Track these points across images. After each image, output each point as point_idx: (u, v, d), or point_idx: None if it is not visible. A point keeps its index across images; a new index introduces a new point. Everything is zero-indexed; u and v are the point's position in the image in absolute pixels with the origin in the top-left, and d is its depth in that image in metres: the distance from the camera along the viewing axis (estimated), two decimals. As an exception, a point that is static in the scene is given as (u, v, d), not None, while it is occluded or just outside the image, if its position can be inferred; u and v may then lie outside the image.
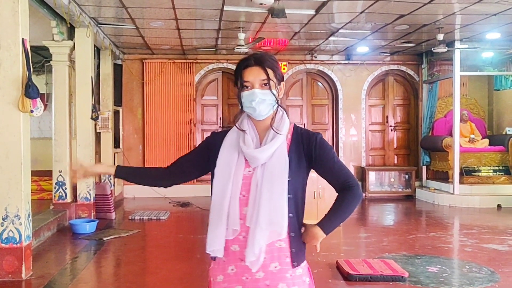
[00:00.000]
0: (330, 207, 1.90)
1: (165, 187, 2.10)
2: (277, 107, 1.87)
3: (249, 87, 1.84)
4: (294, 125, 1.94)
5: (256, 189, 1.79)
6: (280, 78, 1.88)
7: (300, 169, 1.87)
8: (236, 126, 1.89)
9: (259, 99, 1.81)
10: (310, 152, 1.88)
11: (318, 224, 1.86)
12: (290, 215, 1.82)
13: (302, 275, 1.88)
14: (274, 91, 1.84)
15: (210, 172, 1.95)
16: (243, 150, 1.83)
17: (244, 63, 1.86)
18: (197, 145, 2.04)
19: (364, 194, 10.25)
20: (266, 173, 1.80)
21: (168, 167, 2.05)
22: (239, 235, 1.81)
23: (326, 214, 1.90)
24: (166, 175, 2.07)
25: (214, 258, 1.90)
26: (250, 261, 1.78)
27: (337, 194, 1.93)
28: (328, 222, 1.87)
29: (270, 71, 1.84)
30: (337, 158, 1.93)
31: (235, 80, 1.91)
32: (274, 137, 1.84)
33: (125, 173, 2.12)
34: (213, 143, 1.94)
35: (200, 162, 1.98)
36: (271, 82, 1.84)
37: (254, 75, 1.83)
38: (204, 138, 2.04)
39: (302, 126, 1.98)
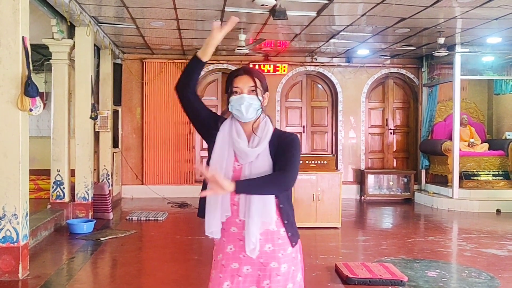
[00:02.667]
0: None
1: (184, 91, 2.18)
2: (261, 112, 2.11)
3: (238, 92, 2.09)
4: (275, 129, 2.16)
5: None
6: (265, 88, 2.14)
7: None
8: (228, 111, 2.14)
9: (247, 103, 2.06)
10: (278, 146, 2.09)
11: (236, 181, 1.97)
12: (281, 206, 2.09)
13: (292, 252, 2.13)
14: (260, 98, 2.09)
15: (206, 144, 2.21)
16: (236, 145, 2.06)
17: (235, 73, 2.13)
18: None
19: (362, 197, 10.23)
20: (253, 171, 2.04)
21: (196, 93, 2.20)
22: (235, 218, 2.06)
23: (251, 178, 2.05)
24: (194, 92, 2.18)
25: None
26: (250, 249, 2.03)
27: None
28: (244, 183, 2.00)
29: (257, 80, 2.10)
30: (294, 153, 2.08)
31: (226, 88, 2.16)
32: (261, 140, 2.07)
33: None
34: (215, 123, 2.16)
35: (204, 119, 2.19)
36: (258, 89, 2.09)
37: (243, 82, 2.09)
38: (212, 114, 2.21)
39: (278, 127, 2.13)
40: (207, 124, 2.18)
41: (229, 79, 2.14)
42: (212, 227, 2.08)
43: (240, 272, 2.07)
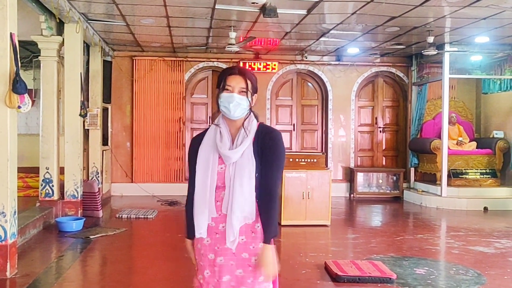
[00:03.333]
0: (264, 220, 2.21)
1: None
2: (250, 113, 2.24)
3: (229, 90, 2.19)
4: (260, 124, 2.27)
5: (229, 183, 2.17)
6: (254, 90, 2.26)
7: (261, 164, 2.21)
8: (214, 124, 2.28)
9: (236, 103, 2.18)
10: (261, 143, 2.20)
11: (264, 242, 2.20)
12: (258, 201, 2.20)
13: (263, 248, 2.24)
14: (249, 99, 2.21)
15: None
16: (219, 150, 2.18)
17: (230, 71, 2.24)
18: (188, 161, 2.34)
19: (352, 195, 10.29)
20: (237, 170, 2.16)
21: (191, 198, 2.29)
22: (215, 213, 2.21)
23: (265, 227, 2.21)
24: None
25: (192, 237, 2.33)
26: (230, 241, 2.17)
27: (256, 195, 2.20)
28: (268, 234, 2.20)
29: (249, 82, 2.22)
30: (277, 162, 2.20)
31: (217, 84, 2.26)
32: (244, 139, 2.18)
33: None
34: (196, 148, 2.27)
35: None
36: (248, 91, 2.20)
37: (236, 81, 2.20)
38: (189, 149, 2.35)
39: (268, 124, 2.18)
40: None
41: (223, 75, 2.24)
42: (202, 228, 2.22)
43: (215, 262, 2.21)
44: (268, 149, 2.19)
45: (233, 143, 2.21)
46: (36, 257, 5.34)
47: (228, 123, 2.25)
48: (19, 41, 4.62)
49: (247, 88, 2.21)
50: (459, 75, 9.74)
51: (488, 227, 7.33)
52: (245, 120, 2.23)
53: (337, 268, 4.66)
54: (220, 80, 2.24)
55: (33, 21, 6.73)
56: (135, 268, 5.15)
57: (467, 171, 9.50)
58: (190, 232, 2.29)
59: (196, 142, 2.30)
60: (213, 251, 2.23)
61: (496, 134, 9.91)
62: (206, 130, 2.32)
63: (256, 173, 2.17)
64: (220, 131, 2.22)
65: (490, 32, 7.94)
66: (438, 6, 6.46)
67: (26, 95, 4.53)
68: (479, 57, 9.43)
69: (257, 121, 2.27)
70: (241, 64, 9.46)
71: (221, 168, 2.20)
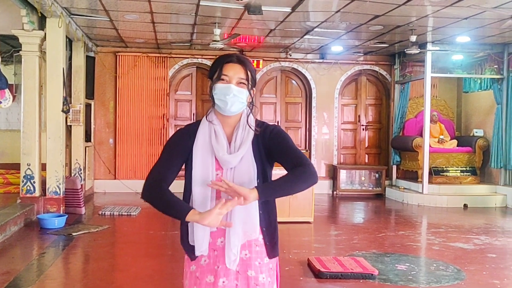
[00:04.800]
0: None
1: None
2: (248, 108, 1.93)
3: (226, 81, 1.86)
4: (256, 120, 1.97)
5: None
6: (253, 84, 1.93)
7: (264, 169, 1.93)
8: (206, 118, 1.93)
9: (233, 95, 1.85)
10: (266, 144, 1.91)
11: (256, 187, 1.81)
12: (260, 212, 1.92)
13: (270, 263, 1.96)
14: (249, 92, 1.90)
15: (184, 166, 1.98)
16: (216, 153, 1.87)
17: (227, 58, 1.90)
18: (169, 147, 1.95)
19: (335, 192, 10.36)
20: (236, 177, 1.85)
21: (165, 182, 1.89)
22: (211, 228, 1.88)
23: (271, 181, 1.90)
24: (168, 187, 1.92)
25: (192, 257, 1.95)
26: (232, 261, 1.86)
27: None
28: (267, 187, 1.85)
29: (249, 73, 1.89)
30: (293, 144, 1.93)
31: (210, 73, 1.92)
32: (243, 141, 1.88)
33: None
34: (187, 144, 1.92)
35: (182, 162, 1.96)
36: (248, 83, 1.89)
37: (234, 71, 1.87)
38: (173, 137, 1.97)
39: (263, 121, 2.00)
40: (185, 158, 1.94)
41: (219, 63, 1.91)
42: (203, 245, 1.89)
43: (216, 286, 1.89)
44: (277, 144, 1.90)
45: (229, 145, 1.90)
46: (17, 255, 5.28)
47: (221, 120, 1.92)
48: (0, 35, 4.56)
49: (247, 79, 1.88)
50: (440, 74, 9.87)
51: (468, 223, 7.46)
52: (242, 117, 1.93)
53: (319, 264, 4.70)
54: (215, 68, 1.90)
55: (14, 15, 6.63)
56: (118, 266, 5.13)
57: (448, 168, 9.65)
58: (183, 205, 1.82)
59: (187, 137, 1.93)
60: (213, 272, 1.90)
61: (476, 132, 10.09)
62: (197, 123, 1.97)
63: (257, 179, 1.88)
64: (214, 130, 1.90)
65: (471, 32, 8.06)
66: (421, 6, 6.54)
67: (6, 90, 4.49)
68: (460, 57, 9.57)
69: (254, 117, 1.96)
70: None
71: (217, 174, 1.88)
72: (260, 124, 1.95)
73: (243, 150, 1.87)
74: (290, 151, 1.89)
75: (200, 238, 1.87)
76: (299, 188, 1.85)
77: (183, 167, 1.97)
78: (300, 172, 1.84)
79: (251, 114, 1.96)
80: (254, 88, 1.95)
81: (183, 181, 1.95)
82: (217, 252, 1.90)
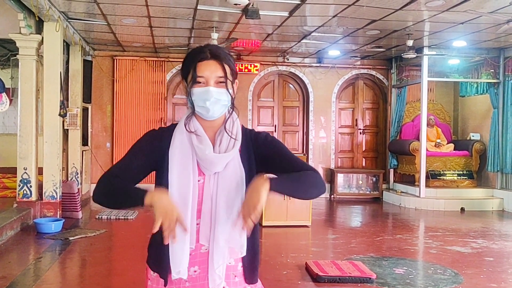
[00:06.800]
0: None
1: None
2: (231, 108, 1.67)
3: (202, 83, 1.60)
4: (242, 126, 1.72)
5: (211, 202, 1.59)
6: (235, 76, 1.67)
7: (252, 178, 1.59)
8: (186, 128, 1.64)
9: (214, 99, 1.59)
10: (259, 151, 1.68)
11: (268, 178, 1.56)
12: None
13: None
14: (230, 90, 1.62)
15: (154, 172, 1.70)
16: (199, 153, 1.60)
17: (199, 56, 1.61)
18: (134, 147, 1.70)
19: (332, 196, 10.37)
20: (221, 184, 1.60)
21: (119, 177, 1.65)
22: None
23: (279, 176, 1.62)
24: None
25: (166, 282, 1.61)
26: (214, 286, 1.58)
27: None
28: (278, 180, 1.56)
29: (227, 68, 1.62)
30: (290, 151, 1.73)
31: (183, 72, 1.66)
32: (230, 143, 1.62)
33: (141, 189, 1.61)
34: (157, 142, 1.67)
35: (147, 165, 1.69)
36: (227, 80, 1.62)
37: (210, 70, 1.59)
38: (142, 137, 1.71)
39: (250, 126, 1.70)
40: (154, 162, 1.67)
41: (191, 62, 1.63)
42: (182, 264, 1.56)
43: None
44: (274, 152, 1.69)
45: (213, 150, 1.62)
46: (13, 259, 5.25)
47: (203, 124, 1.65)
48: (-3, 40, 4.56)
49: (225, 75, 1.61)
50: (437, 78, 9.91)
51: (465, 227, 7.47)
52: (224, 117, 1.67)
53: (317, 268, 4.69)
54: (187, 68, 1.63)
55: (11, 19, 6.62)
56: (115, 270, 5.11)
57: (444, 172, 9.67)
58: (139, 189, 1.56)
59: (158, 138, 1.67)
60: None
61: (473, 136, 10.12)
62: (171, 126, 1.70)
63: (245, 187, 1.60)
64: (195, 133, 1.63)
65: (467, 36, 8.10)
66: (417, 10, 6.57)
67: (3, 94, 4.48)
68: (456, 61, 9.61)
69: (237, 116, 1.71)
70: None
71: (199, 181, 1.61)
72: (249, 131, 1.72)
73: (230, 154, 1.61)
74: (293, 159, 1.68)
75: (179, 257, 1.55)
76: (310, 192, 1.64)
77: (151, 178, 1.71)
78: (312, 176, 1.63)
79: (237, 117, 1.70)
80: (236, 81, 1.69)
81: None
82: (190, 284, 1.59)
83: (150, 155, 1.66)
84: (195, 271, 1.60)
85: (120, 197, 1.59)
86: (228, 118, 1.67)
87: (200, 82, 1.60)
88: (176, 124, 1.70)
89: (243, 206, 1.50)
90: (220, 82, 1.60)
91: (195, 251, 1.60)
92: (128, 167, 1.66)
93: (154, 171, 1.69)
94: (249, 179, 1.60)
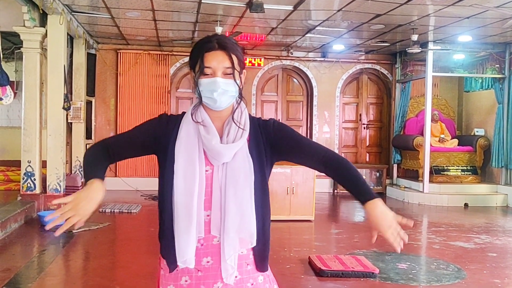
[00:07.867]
0: (349, 184, 1.72)
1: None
2: (240, 99, 1.66)
3: (210, 74, 1.60)
4: (249, 115, 1.72)
5: (220, 193, 1.60)
6: (242, 66, 1.67)
7: (261, 167, 1.65)
8: (192, 118, 1.64)
9: (222, 90, 1.58)
10: (270, 140, 1.68)
11: (373, 199, 1.66)
12: (328, 171, 1.72)
13: (265, 283, 1.70)
14: (238, 81, 1.62)
15: (158, 162, 1.70)
16: (206, 143, 1.59)
17: (206, 46, 1.61)
18: (137, 126, 1.74)
19: (335, 191, 10.36)
20: (229, 175, 1.59)
21: (110, 148, 1.70)
22: (197, 242, 1.60)
23: (360, 188, 1.70)
24: (108, 158, 1.72)
25: (172, 269, 1.63)
26: (227, 276, 1.60)
27: (324, 171, 1.72)
28: (370, 190, 1.71)
29: (235, 58, 1.61)
30: (301, 135, 1.75)
31: (191, 62, 1.66)
32: (238, 133, 1.62)
33: (103, 175, 1.67)
34: (163, 126, 1.68)
35: (146, 146, 1.71)
36: (235, 71, 1.61)
37: (217, 60, 1.59)
38: (149, 120, 1.74)
39: (255, 116, 1.75)
40: (155, 143, 1.68)
41: (199, 52, 1.62)
42: (188, 254, 1.57)
43: None
44: (288, 140, 1.69)
45: (221, 140, 1.62)
46: (17, 252, 5.27)
47: (210, 114, 1.65)
48: (1, 32, 4.56)
49: (233, 66, 1.60)
50: (442, 73, 9.86)
51: (468, 223, 7.46)
52: (232, 107, 1.67)
53: (320, 262, 4.70)
54: (195, 59, 1.63)
55: (15, 12, 6.62)
56: (119, 263, 5.13)
57: (448, 168, 9.64)
58: (93, 172, 1.61)
59: (165, 122, 1.69)
60: None
61: (477, 131, 10.08)
62: (181, 114, 1.71)
63: (254, 177, 1.62)
64: (203, 123, 1.64)
65: (472, 31, 8.05)
66: (422, 5, 6.52)
67: (8, 87, 4.48)
68: (461, 56, 9.56)
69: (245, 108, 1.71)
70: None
71: (207, 171, 1.61)
72: (257, 120, 1.72)
73: (238, 144, 1.61)
74: (312, 146, 1.71)
75: (184, 245, 1.57)
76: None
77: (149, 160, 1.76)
78: (355, 169, 1.72)
79: (245, 108, 1.70)
80: (244, 71, 1.69)
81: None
82: (202, 273, 1.61)
83: (151, 137, 1.68)
84: (208, 262, 1.62)
85: (85, 167, 1.66)
86: (236, 108, 1.67)
87: (207, 73, 1.60)
88: (182, 114, 1.72)
89: (387, 236, 1.64)
90: (228, 73, 1.60)
91: (206, 242, 1.61)
92: (124, 141, 1.73)
93: (156, 157, 1.71)
94: (258, 168, 1.63)
